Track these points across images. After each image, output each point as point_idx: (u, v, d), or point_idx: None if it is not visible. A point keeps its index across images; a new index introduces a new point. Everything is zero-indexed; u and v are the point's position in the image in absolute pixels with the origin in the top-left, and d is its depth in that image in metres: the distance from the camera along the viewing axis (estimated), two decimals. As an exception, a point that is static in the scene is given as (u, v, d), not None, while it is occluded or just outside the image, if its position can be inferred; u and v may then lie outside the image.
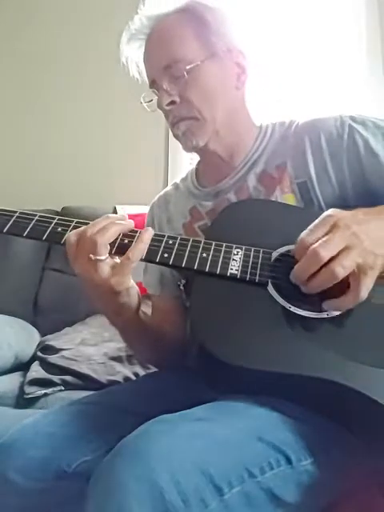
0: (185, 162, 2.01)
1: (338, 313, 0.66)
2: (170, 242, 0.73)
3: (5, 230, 0.75)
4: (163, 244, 0.73)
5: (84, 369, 1.34)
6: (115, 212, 1.90)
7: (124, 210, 1.88)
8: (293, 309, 0.67)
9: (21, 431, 0.70)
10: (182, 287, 0.88)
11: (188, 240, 0.73)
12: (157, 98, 0.85)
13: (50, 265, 1.90)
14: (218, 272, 0.70)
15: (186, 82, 0.82)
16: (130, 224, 0.73)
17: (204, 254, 0.72)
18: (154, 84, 0.86)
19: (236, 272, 0.70)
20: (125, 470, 0.52)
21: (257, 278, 0.70)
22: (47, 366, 1.40)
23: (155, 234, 0.73)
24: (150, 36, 0.86)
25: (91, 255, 0.68)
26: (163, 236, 0.74)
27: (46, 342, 1.55)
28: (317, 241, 0.62)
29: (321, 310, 0.66)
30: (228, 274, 0.70)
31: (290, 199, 0.81)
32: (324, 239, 0.61)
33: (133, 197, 1.92)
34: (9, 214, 0.76)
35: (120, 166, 2.17)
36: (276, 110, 1.83)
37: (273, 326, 0.67)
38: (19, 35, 2.32)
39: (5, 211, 0.76)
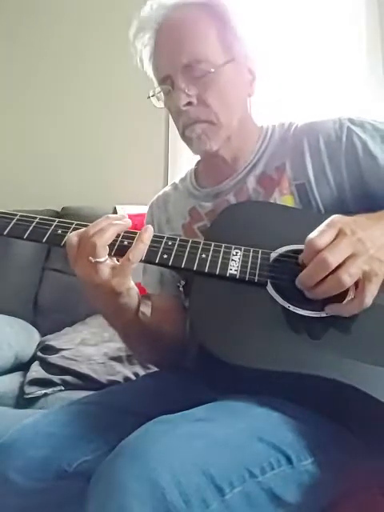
0: (185, 162, 2.00)
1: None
2: (170, 242, 0.73)
3: (5, 233, 0.76)
4: (162, 245, 0.73)
5: (84, 369, 1.34)
6: (115, 212, 1.91)
7: (124, 210, 1.88)
8: (292, 308, 0.67)
9: (21, 431, 0.70)
10: (181, 288, 0.88)
11: (187, 241, 0.74)
12: (167, 95, 0.82)
13: (50, 265, 1.91)
14: (217, 272, 0.70)
15: (205, 84, 0.79)
16: (128, 223, 0.72)
17: (203, 255, 0.72)
18: (166, 80, 0.82)
19: (235, 272, 0.70)
20: (126, 470, 0.52)
21: (256, 278, 0.70)
22: (47, 366, 1.40)
23: (154, 235, 0.73)
24: (165, 25, 0.81)
25: (91, 257, 0.68)
26: (162, 237, 0.74)
27: (46, 342, 1.56)
28: (326, 245, 0.61)
29: (320, 310, 0.66)
30: (227, 275, 0.70)
31: (288, 201, 0.81)
32: (331, 245, 0.61)
33: (133, 197, 1.92)
34: (9, 216, 0.76)
35: (120, 166, 2.16)
36: (276, 111, 1.83)
37: (272, 326, 0.67)
38: (19, 35, 2.32)
39: (5, 214, 0.77)
